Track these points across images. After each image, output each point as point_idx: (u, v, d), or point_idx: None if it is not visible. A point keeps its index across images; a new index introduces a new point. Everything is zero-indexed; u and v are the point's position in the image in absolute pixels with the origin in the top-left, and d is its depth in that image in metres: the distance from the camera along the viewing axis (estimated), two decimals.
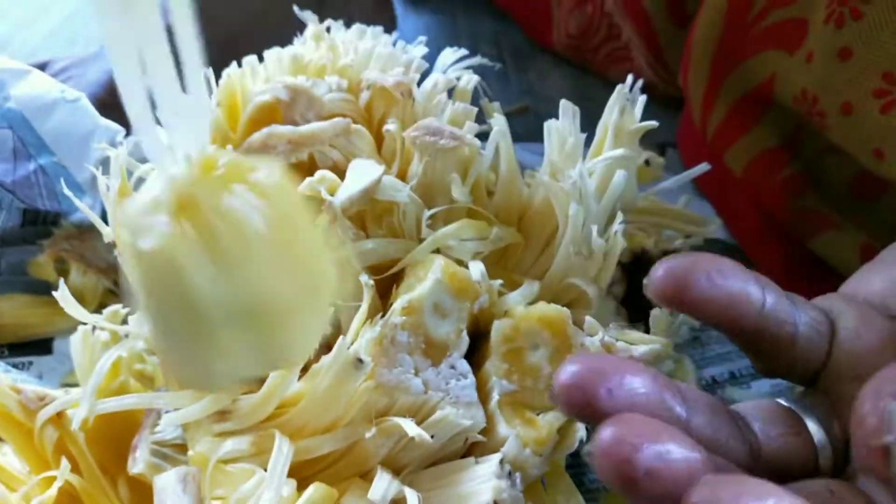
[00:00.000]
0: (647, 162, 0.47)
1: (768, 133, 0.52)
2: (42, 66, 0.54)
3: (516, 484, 0.30)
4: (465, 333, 0.33)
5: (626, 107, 0.40)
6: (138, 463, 0.34)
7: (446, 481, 0.30)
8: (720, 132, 0.55)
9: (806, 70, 0.45)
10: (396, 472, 0.31)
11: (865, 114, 0.42)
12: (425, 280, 0.33)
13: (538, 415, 0.33)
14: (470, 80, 0.42)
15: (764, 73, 0.48)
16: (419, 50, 0.44)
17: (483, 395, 0.33)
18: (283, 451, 0.29)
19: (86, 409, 0.31)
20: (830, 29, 0.42)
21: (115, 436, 0.37)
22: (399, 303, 0.32)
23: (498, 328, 0.34)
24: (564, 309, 0.35)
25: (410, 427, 0.29)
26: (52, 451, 0.35)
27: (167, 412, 0.35)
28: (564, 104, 0.39)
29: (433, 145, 0.36)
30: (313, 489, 0.29)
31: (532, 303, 0.36)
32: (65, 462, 0.33)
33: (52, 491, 0.33)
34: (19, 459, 0.37)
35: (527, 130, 0.64)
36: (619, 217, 0.38)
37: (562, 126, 0.39)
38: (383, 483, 0.29)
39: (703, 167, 0.41)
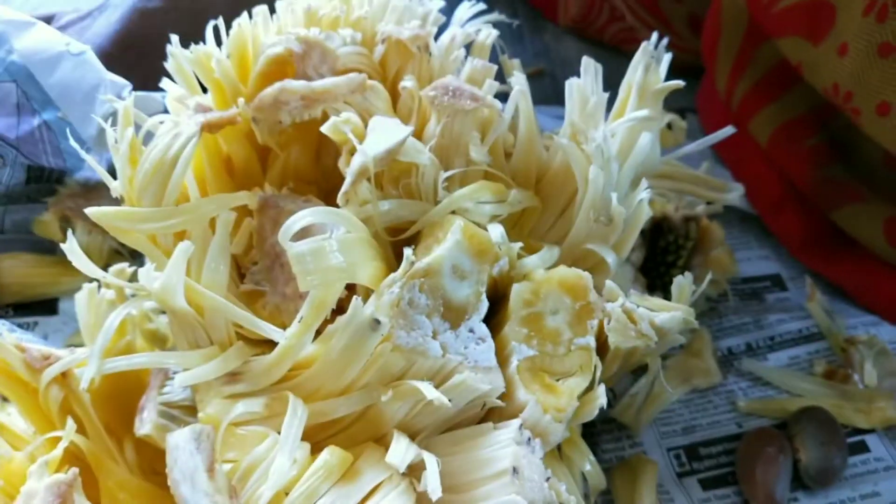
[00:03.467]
0: (668, 126, 0.45)
1: (797, 101, 0.50)
2: (48, 20, 0.52)
3: (536, 450, 0.29)
4: (484, 296, 0.32)
5: (650, 65, 0.38)
6: (145, 424, 0.34)
7: (464, 447, 0.30)
8: (746, 100, 0.53)
9: (837, 64, 0.42)
10: (411, 437, 0.30)
11: None
12: (444, 241, 0.32)
13: (558, 381, 0.32)
14: (489, 34, 0.40)
15: (791, 58, 0.46)
16: (436, 2, 0.42)
17: (501, 359, 0.32)
18: (297, 414, 0.28)
19: (94, 369, 0.30)
20: (870, 22, 0.40)
21: (121, 397, 0.37)
22: (418, 264, 0.31)
23: (517, 292, 0.33)
24: (586, 273, 0.33)
25: (428, 390, 0.28)
26: (57, 412, 0.34)
27: (176, 373, 0.34)
28: (586, 61, 0.38)
29: (452, 106, 0.35)
30: (328, 452, 0.28)
31: (551, 268, 0.35)
32: (70, 422, 0.32)
33: (58, 451, 0.32)
34: (24, 419, 0.36)
35: (541, 94, 0.62)
36: (644, 184, 0.37)
37: (584, 84, 0.38)
38: (401, 446, 0.28)
39: (728, 130, 0.40)
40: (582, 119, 0.37)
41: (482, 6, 0.43)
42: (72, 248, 0.30)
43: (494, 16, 0.43)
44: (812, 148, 0.50)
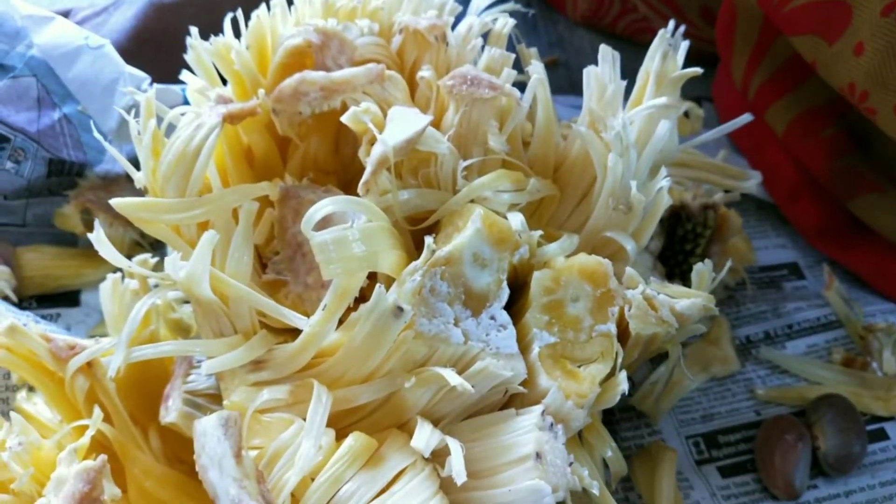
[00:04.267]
0: (685, 114, 0.45)
1: (814, 92, 0.50)
2: (65, 14, 0.53)
3: (558, 436, 0.29)
4: (505, 284, 0.32)
5: (668, 52, 0.38)
6: (171, 412, 0.34)
7: (486, 432, 0.30)
8: (763, 90, 0.53)
9: (853, 63, 0.42)
10: (434, 423, 0.30)
11: None
12: (465, 229, 0.32)
13: (579, 367, 0.32)
14: (506, 23, 0.40)
15: (806, 56, 0.46)
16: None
17: (523, 347, 0.32)
18: (321, 401, 0.29)
19: (121, 357, 0.31)
20: (889, 22, 0.39)
21: (146, 386, 0.37)
22: (439, 252, 0.31)
23: (538, 279, 0.33)
24: (606, 261, 0.34)
25: (451, 376, 0.28)
26: (83, 401, 0.35)
27: (200, 361, 0.35)
28: (604, 49, 0.38)
29: (471, 95, 0.35)
30: (353, 439, 0.29)
31: (571, 256, 0.35)
32: (97, 410, 0.33)
33: (86, 439, 0.32)
34: (50, 409, 0.37)
35: (556, 83, 0.62)
36: (664, 172, 0.37)
37: (602, 72, 0.38)
38: (425, 432, 0.28)
39: (746, 118, 0.40)
40: (600, 107, 0.37)
41: None
42: (98, 237, 0.31)
43: (511, 5, 0.43)
44: (829, 138, 0.49)
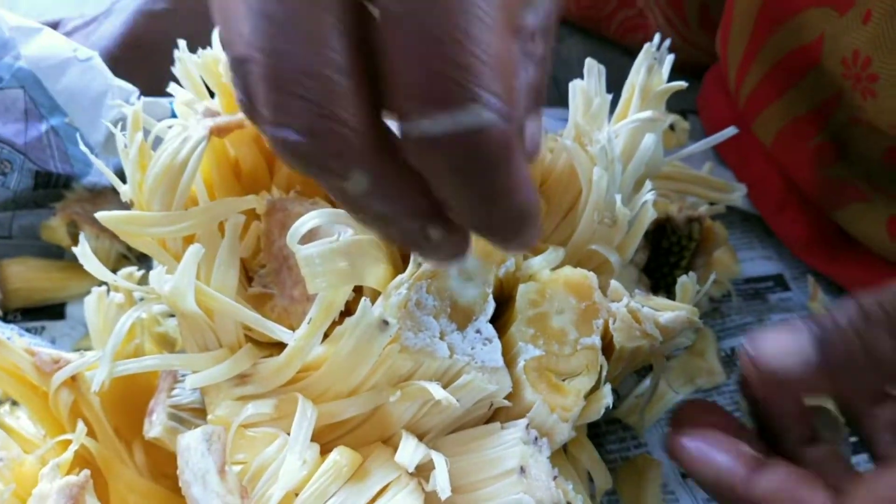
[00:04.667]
0: (671, 127, 0.46)
1: (801, 98, 0.50)
2: (53, 26, 0.53)
3: (543, 449, 0.29)
4: (490, 297, 0.32)
5: (653, 66, 0.38)
6: (155, 427, 0.34)
7: (472, 447, 0.30)
8: (754, 95, 0.53)
9: (861, 30, 0.43)
10: (419, 437, 0.30)
11: None
12: None
13: (564, 380, 0.32)
14: None
15: (811, 33, 0.47)
16: None
17: (508, 360, 0.32)
18: (306, 415, 0.29)
19: (105, 371, 0.31)
20: None
21: (130, 400, 0.37)
22: (424, 266, 0.31)
23: (523, 292, 0.33)
24: (591, 274, 0.34)
25: (437, 390, 0.28)
26: (67, 415, 0.35)
27: (185, 375, 0.35)
28: (589, 63, 0.38)
29: None
30: (338, 453, 0.29)
31: (556, 269, 0.35)
32: (81, 425, 0.33)
33: (69, 454, 0.32)
34: (34, 423, 0.36)
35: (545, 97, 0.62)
36: (648, 185, 0.37)
37: (587, 86, 0.38)
38: (410, 446, 0.28)
39: (731, 131, 0.40)
40: (585, 120, 0.37)
41: None
42: (84, 251, 0.31)
43: None
44: (815, 148, 0.50)
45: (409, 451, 0.28)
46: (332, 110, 0.21)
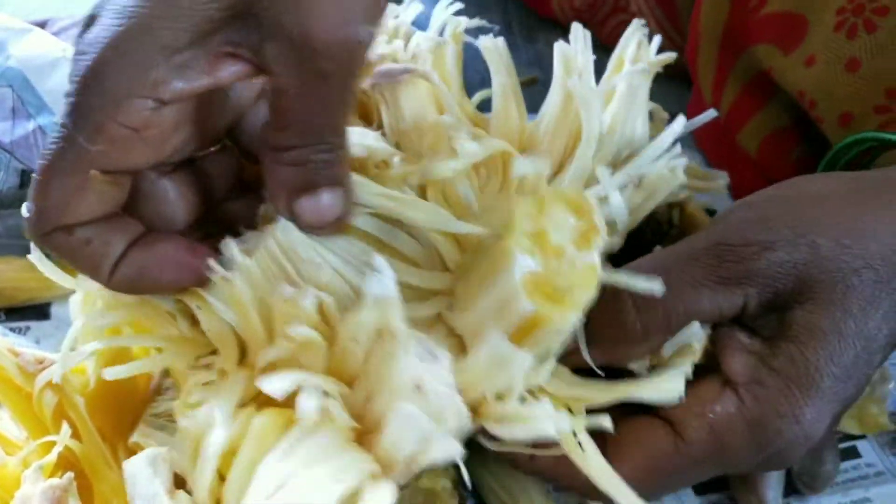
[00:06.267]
0: (650, 117, 0.45)
1: (780, 110, 0.51)
2: (41, 25, 0.52)
3: (440, 360, 0.28)
4: None
5: (642, 42, 0.38)
6: (133, 435, 0.34)
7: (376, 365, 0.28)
8: (734, 110, 0.54)
9: (804, 73, 0.44)
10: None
11: (865, 129, 0.41)
12: None
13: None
14: (458, 24, 0.40)
15: (764, 64, 0.47)
16: (411, 12, 0.43)
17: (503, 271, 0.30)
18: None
19: (60, 369, 0.32)
20: (840, 38, 0.41)
21: (116, 402, 0.37)
22: None
23: (522, 206, 0.31)
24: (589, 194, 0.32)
25: None
26: (51, 417, 0.34)
27: (167, 388, 0.35)
28: (575, 27, 0.37)
29: (391, 85, 0.35)
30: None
31: None
32: (65, 426, 0.32)
33: (52, 456, 0.32)
34: (17, 424, 0.36)
35: (536, 102, 0.62)
36: (678, 149, 0.36)
37: (572, 48, 0.37)
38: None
39: (710, 114, 0.40)
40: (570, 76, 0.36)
41: (459, 5, 0.43)
42: (40, 258, 0.32)
43: (476, 21, 0.42)
44: (798, 161, 0.50)
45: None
46: None
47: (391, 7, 0.44)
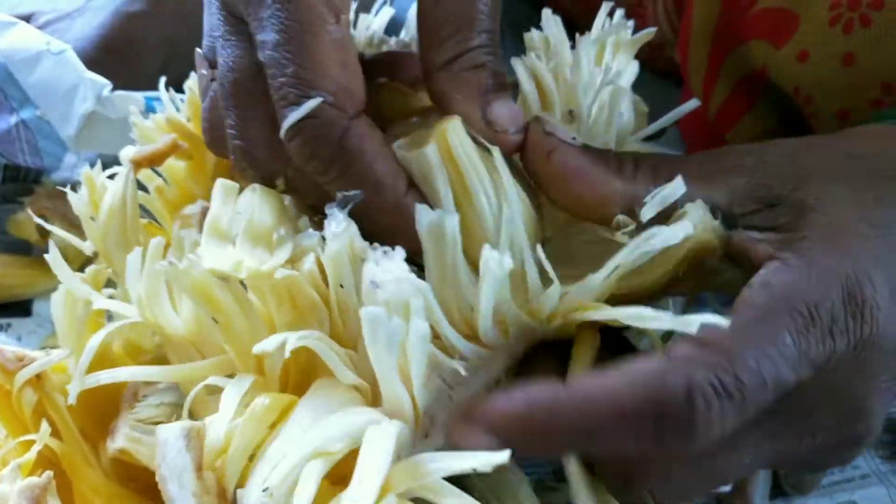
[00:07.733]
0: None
1: (770, 110, 0.51)
2: (27, 18, 0.52)
3: (391, 255, 0.28)
4: None
5: (623, 22, 0.37)
6: (117, 440, 0.33)
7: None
8: (723, 111, 0.54)
9: (799, 69, 0.43)
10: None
11: (861, 123, 0.41)
12: None
13: None
14: None
15: (758, 63, 0.47)
16: (381, 18, 0.43)
17: None
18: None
19: (77, 386, 0.31)
20: (836, 32, 0.41)
21: (97, 400, 0.36)
22: None
23: None
24: None
25: None
26: (31, 415, 0.34)
27: (146, 395, 0.34)
28: (546, 13, 0.36)
29: None
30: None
31: None
32: (45, 425, 0.32)
33: (32, 454, 0.31)
34: None
35: None
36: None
37: (545, 32, 0.36)
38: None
39: (693, 103, 0.40)
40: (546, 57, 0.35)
41: None
42: (55, 259, 0.32)
43: None
44: None
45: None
46: None
47: (362, 18, 0.44)
